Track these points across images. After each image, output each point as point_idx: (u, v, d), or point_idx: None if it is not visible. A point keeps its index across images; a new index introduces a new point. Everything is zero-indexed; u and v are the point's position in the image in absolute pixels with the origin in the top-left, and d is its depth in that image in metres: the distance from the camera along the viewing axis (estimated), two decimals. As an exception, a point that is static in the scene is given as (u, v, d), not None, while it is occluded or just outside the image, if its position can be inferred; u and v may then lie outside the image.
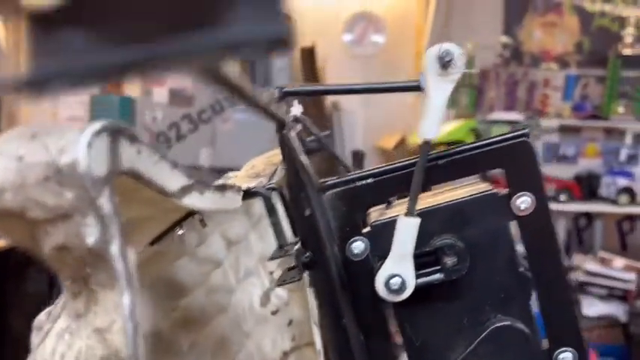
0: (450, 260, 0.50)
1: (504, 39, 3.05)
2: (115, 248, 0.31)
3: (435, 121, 0.48)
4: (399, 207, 0.54)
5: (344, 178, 0.54)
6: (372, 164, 3.43)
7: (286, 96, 0.54)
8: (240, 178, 0.61)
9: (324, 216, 0.52)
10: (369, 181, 0.53)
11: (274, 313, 0.59)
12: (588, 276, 2.65)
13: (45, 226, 0.31)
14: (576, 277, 2.59)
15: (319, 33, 3.34)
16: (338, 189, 0.53)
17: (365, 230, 0.53)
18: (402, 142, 3.19)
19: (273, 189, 0.55)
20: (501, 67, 3.09)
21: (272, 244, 0.59)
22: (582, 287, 2.59)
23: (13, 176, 0.30)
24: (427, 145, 0.49)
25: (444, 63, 0.47)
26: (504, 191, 0.53)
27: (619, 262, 2.73)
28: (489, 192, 0.53)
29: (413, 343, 0.52)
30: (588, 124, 3.13)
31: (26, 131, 0.31)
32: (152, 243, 0.51)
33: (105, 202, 0.30)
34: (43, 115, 3.64)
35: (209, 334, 0.59)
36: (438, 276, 0.50)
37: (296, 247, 0.53)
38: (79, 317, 0.35)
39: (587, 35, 3.21)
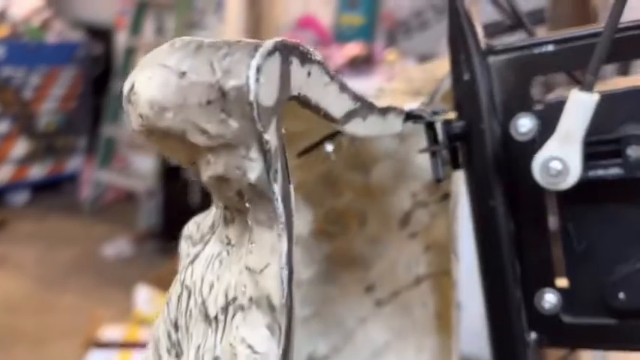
0: (634, 153, 0.39)
1: None
2: (277, 188, 0.28)
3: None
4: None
5: (518, 43, 0.44)
6: None
7: None
8: (398, 95, 0.58)
9: (488, 84, 0.44)
10: (549, 48, 0.43)
11: (412, 236, 0.57)
12: None
13: (206, 154, 0.28)
14: None
15: None
16: (508, 55, 0.44)
17: (536, 107, 0.43)
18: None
19: (436, 113, 0.47)
20: None
21: (417, 166, 0.55)
22: None
23: (173, 94, 0.27)
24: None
25: None
26: None
27: None
28: None
29: (574, 247, 0.44)
30: None
31: (191, 42, 0.28)
32: (300, 154, 0.48)
33: (271, 136, 0.27)
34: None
35: (344, 247, 0.58)
36: (616, 170, 0.40)
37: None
38: (230, 246, 0.32)
39: None
